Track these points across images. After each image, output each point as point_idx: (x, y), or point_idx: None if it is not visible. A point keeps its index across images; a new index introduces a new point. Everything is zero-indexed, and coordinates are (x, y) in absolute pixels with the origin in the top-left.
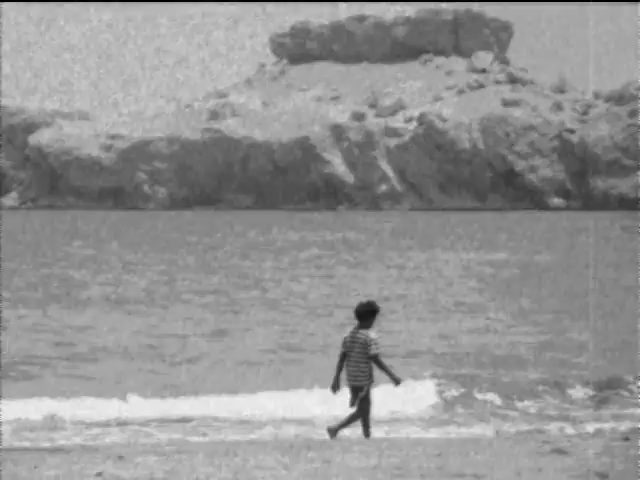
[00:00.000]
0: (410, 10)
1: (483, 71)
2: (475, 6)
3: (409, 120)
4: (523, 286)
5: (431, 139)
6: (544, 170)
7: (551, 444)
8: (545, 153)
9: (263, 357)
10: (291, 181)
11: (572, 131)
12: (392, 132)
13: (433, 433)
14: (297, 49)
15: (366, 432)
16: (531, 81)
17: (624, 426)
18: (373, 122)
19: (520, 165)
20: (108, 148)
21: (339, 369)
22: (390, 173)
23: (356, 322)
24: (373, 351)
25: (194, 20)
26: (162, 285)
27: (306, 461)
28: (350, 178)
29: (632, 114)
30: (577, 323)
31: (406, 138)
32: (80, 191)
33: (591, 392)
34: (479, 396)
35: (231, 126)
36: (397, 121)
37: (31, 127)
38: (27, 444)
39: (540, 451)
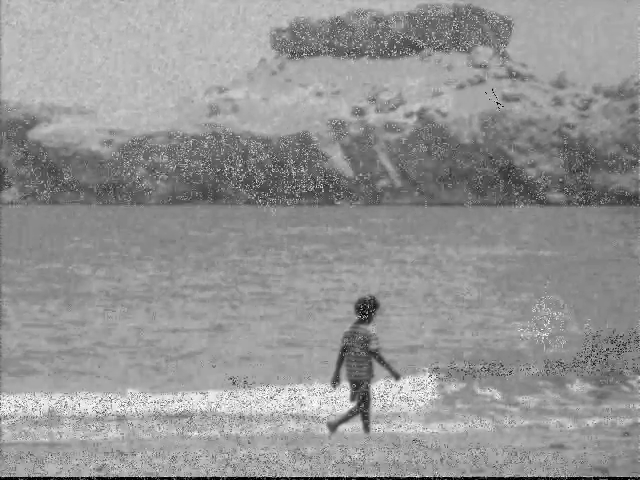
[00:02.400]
0: (410, 5)
1: (483, 66)
2: (475, 1)
3: (409, 115)
4: (523, 281)
5: (431, 134)
6: (544, 165)
7: (551, 439)
8: (545, 148)
9: (263, 352)
10: (291, 176)
11: (572, 126)
12: (392, 127)
13: (433, 428)
14: (297, 44)
15: (366, 427)
16: (531, 76)
17: (624, 421)
18: (373, 117)
19: (520, 160)
20: (108, 143)
21: (339, 364)
22: (390, 168)
23: (356, 317)
24: (373, 346)
25: (194, 16)
26: (162, 280)
27: (306, 456)
28: (350, 173)
29: (632, 109)
30: (577, 318)
31: (406, 133)
32: (80, 186)
33: (591, 387)
34: (479, 391)
35: (231, 121)
36: (397, 116)
37: (31, 122)
38: (27, 439)
39: (540, 446)
